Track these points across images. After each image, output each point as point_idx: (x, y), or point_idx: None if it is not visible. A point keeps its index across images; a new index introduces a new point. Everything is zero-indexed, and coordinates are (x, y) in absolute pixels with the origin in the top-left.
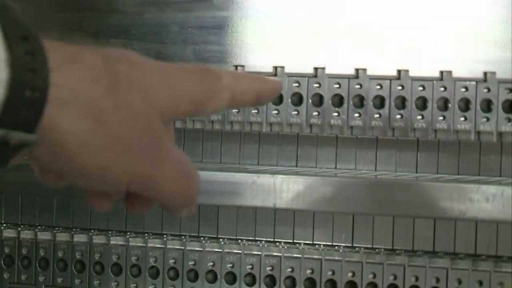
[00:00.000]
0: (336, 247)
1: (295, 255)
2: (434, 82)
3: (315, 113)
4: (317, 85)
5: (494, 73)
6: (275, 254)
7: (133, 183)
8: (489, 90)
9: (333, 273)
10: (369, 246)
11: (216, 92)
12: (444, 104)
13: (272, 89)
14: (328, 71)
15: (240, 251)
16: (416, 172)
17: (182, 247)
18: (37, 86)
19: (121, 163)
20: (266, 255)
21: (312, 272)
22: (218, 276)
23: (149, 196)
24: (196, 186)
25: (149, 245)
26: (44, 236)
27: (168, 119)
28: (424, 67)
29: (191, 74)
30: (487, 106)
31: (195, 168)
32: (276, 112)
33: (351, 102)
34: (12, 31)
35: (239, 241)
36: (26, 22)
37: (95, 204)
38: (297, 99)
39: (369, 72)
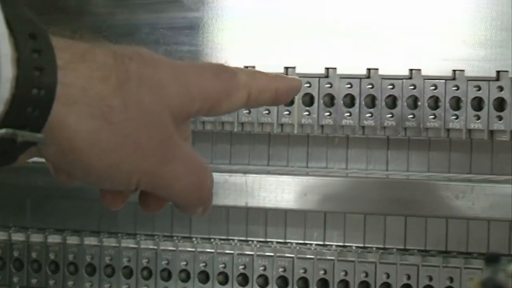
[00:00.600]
0: (308, 245)
1: (267, 254)
2: (404, 80)
3: (286, 113)
4: None
5: (463, 71)
6: (247, 253)
7: (143, 181)
8: (458, 88)
9: (305, 271)
10: (341, 244)
11: (232, 90)
12: (413, 102)
13: (291, 87)
14: (298, 70)
15: (212, 250)
16: (387, 170)
17: (155, 247)
18: (44, 84)
19: (131, 161)
20: (238, 254)
21: (285, 271)
22: (191, 275)
23: (161, 195)
24: (209, 185)
25: (122, 245)
26: (17, 237)
27: (181, 117)
28: (394, 65)
29: (206, 71)
30: (456, 104)
31: (208, 167)
32: (247, 112)
33: (322, 101)
34: (21, 28)
35: (212, 240)
36: (35, 20)
37: (108, 202)
38: None
39: (339, 71)
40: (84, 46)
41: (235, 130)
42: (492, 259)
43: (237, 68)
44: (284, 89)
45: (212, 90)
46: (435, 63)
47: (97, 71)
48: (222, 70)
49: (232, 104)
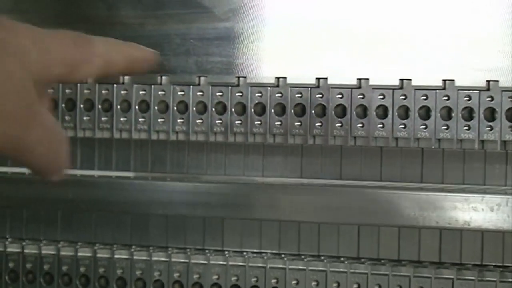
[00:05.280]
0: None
1: (300, 267)
2: (437, 91)
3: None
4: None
5: (497, 81)
6: (280, 266)
7: (5, 146)
8: (492, 98)
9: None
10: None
11: (88, 56)
12: (447, 113)
13: (144, 57)
14: (330, 81)
15: (244, 264)
16: (421, 181)
17: (187, 260)
18: None
19: None
20: (271, 268)
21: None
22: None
23: (20, 159)
24: (66, 152)
25: (153, 258)
26: (48, 250)
27: (41, 82)
28: (427, 76)
29: (64, 38)
30: (491, 115)
31: (66, 135)
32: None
33: (354, 112)
34: None
35: (244, 253)
36: None
37: None
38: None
39: (371, 82)
40: None
41: (267, 142)
42: None
43: (93, 37)
44: (139, 60)
45: (70, 56)
46: (469, 74)
47: None
48: (79, 37)
49: (90, 70)
